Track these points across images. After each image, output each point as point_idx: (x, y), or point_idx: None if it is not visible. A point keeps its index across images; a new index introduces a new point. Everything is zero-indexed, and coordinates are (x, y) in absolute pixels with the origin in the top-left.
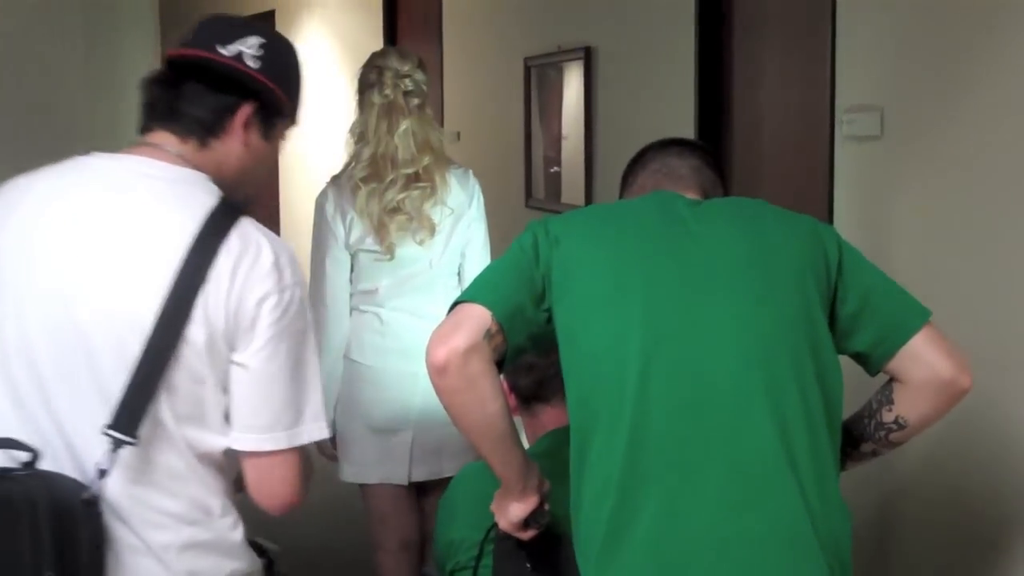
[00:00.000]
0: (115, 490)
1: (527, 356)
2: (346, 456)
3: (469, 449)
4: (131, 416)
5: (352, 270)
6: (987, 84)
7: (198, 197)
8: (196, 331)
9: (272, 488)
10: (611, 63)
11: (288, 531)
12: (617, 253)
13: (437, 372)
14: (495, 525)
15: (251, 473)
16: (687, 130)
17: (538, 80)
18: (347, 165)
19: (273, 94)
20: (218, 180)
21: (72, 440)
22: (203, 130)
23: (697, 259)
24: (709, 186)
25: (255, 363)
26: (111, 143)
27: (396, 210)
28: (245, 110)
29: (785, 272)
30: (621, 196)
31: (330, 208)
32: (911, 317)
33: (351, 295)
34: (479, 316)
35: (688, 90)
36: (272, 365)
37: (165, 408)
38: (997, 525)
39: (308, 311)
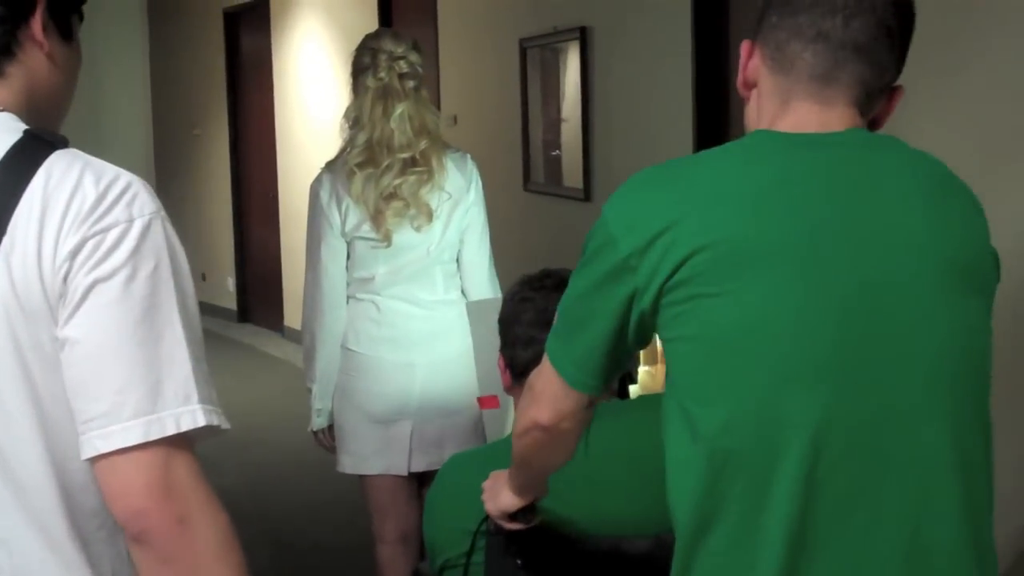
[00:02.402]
0: None
1: (528, 329)
2: (344, 447)
3: (471, 439)
4: None
5: (348, 258)
6: (975, 70)
7: None
8: None
9: (130, 503)
10: (608, 43)
11: (287, 524)
12: (778, 287)
13: (541, 430)
14: (486, 519)
15: (103, 485)
16: (686, 107)
17: (536, 62)
18: (342, 151)
19: None
20: (32, 115)
21: None
22: None
23: (886, 289)
24: (872, 79)
25: (77, 332)
26: (89, 140)
27: (392, 196)
28: (40, 9)
29: (973, 305)
30: (756, 36)
31: (325, 195)
32: None
33: (348, 283)
34: (575, 399)
35: (686, 67)
36: (100, 328)
37: None
38: None
39: (172, 253)
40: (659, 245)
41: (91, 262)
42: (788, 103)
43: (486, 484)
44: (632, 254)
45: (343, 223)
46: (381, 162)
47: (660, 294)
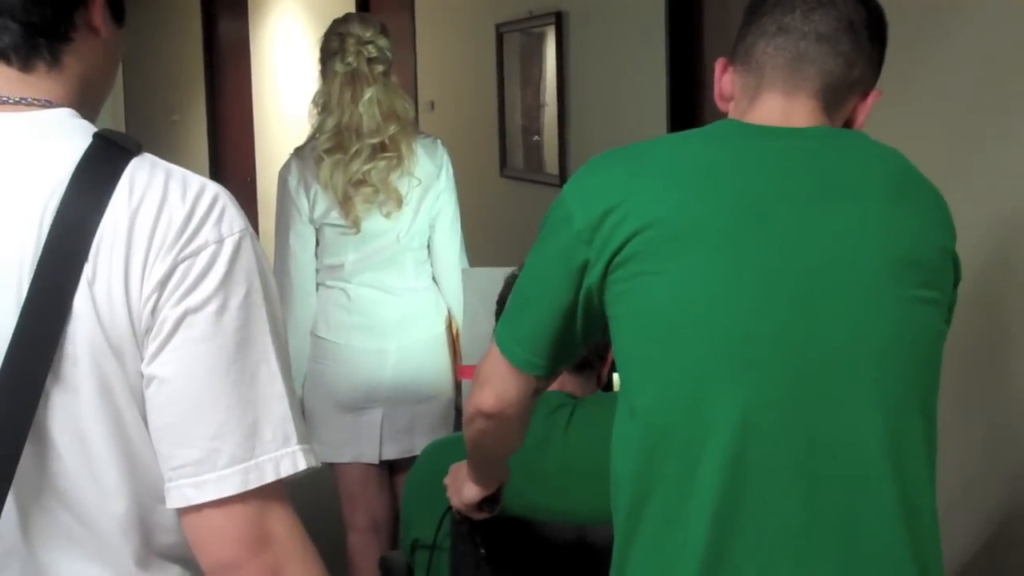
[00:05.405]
0: None
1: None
2: (314, 435)
3: (442, 426)
4: None
5: (318, 244)
6: (934, 65)
7: (62, 146)
8: (81, 343)
9: (221, 555)
10: (583, 28)
11: None
12: (714, 275)
13: (484, 417)
14: (450, 509)
15: (190, 533)
16: (660, 92)
17: (514, 47)
18: (311, 136)
19: None
20: (83, 105)
21: None
22: (50, 39)
23: (830, 278)
24: (840, 75)
25: (165, 370)
26: None
27: (361, 182)
28: None
29: (923, 299)
30: (732, 54)
31: (293, 181)
32: None
33: (317, 270)
34: (524, 382)
35: (659, 51)
36: (192, 366)
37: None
38: None
39: (261, 274)
40: (610, 220)
41: (180, 291)
42: (756, 98)
43: (447, 480)
44: (585, 228)
45: (311, 210)
46: (350, 148)
47: (607, 270)
